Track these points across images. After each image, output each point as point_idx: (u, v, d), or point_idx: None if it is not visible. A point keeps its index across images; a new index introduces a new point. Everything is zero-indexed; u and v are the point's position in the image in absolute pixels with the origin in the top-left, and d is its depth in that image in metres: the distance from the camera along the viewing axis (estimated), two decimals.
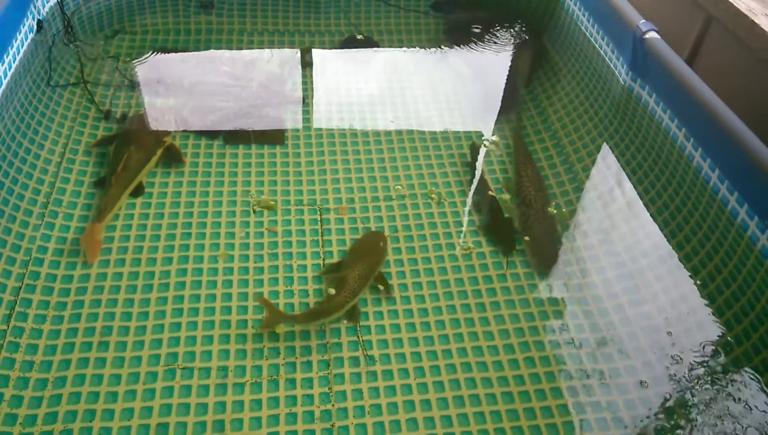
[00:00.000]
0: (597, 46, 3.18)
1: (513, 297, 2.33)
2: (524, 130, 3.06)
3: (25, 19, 2.63)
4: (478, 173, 2.81)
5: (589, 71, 3.23)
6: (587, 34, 3.26)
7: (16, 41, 2.51)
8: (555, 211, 2.66)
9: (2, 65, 2.42)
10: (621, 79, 2.90)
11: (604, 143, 2.92)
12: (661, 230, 2.51)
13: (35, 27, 2.82)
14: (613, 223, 2.61)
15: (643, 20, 2.63)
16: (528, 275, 2.41)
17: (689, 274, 2.36)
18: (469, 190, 2.75)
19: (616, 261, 2.46)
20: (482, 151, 2.93)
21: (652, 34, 2.57)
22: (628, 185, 2.71)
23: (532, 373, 2.10)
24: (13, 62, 2.58)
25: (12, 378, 1.98)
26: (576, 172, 2.86)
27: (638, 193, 2.66)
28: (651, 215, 2.57)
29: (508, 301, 2.31)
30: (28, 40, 2.68)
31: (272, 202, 2.58)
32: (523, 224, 2.58)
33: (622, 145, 2.84)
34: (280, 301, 2.30)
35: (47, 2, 3.08)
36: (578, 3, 3.33)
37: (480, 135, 3.02)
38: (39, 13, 2.93)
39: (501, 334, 2.22)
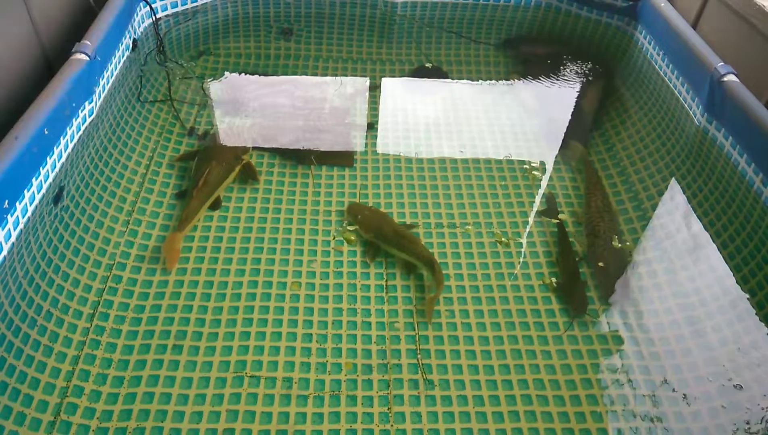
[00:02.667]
0: (671, 85, 3.17)
1: (576, 333, 2.32)
2: (592, 163, 3.07)
3: (124, 38, 2.84)
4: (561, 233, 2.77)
5: (662, 109, 3.21)
6: (661, 73, 3.25)
7: (114, 58, 2.72)
8: (620, 245, 2.65)
9: (102, 80, 2.61)
10: (695, 120, 2.88)
11: (675, 182, 2.89)
12: (733, 275, 2.46)
13: (131, 45, 3.04)
14: (682, 263, 2.57)
15: (722, 63, 2.62)
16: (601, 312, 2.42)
17: (761, 321, 2.31)
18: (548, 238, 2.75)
19: (684, 302, 2.43)
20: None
21: (731, 77, 2.55)
22: (698, 226, 2.67)
23: (594, 411, 2.10)
24: (111, 77, 2.78)
25: (92, 374, 2.11)
26: (645, 208, 2.83)
27: (710, 236, 2.62)
28: (722, 258, 2.53)
29: (572, 338, 2.31)
30: (125, 58, 2.89)
31: (353, 238, 2.67)
32: (592, 254, 2.59)
33: (694, 186, 2.80)
34: (343, 319, 2.38)
35: (142, 23, 3.33)
36: (653, 42, 3.33)
37: (543, 167, 3.05)
38: (135, 33, 3.16)
39: (563, 368, 2.21)
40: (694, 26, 3.22)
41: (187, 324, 2.30)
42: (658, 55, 3.31)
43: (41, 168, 2.01)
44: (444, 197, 2.88)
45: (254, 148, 3.06)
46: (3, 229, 1.84)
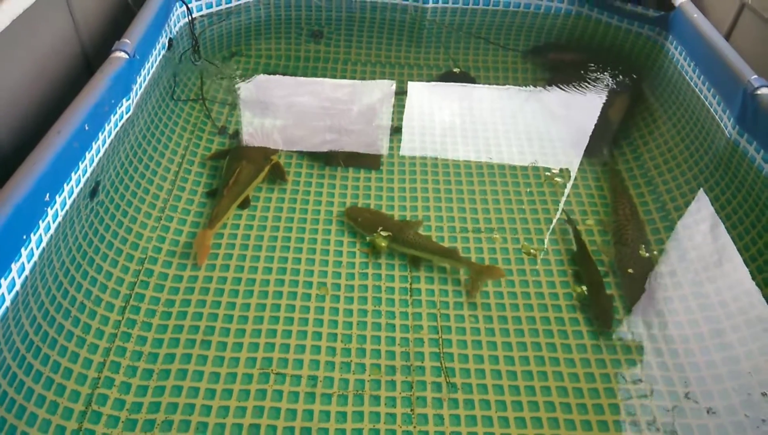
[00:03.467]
0: (702, 96, 3.15)
1: (600, 342, 2.32)
2: (618, 172, 3.07)
3: (160, 37, 2.90)
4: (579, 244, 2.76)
5: (692, 120, 3.19)
6: (692, 83, 3.23)
7: (151, 56, 2.78)
8: (647, 254, 2.65)
9: (139, 78, 2.67)
10: (726, 132, 2.87)
11: (703, 193, 2.88)
12: (760, 289, 2.44)
13: (167, 44, 3.10)
14: (709, 275, 2.56)
15: (755, 75, 2.60)
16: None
17: None
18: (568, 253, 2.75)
19: (710, 315, 2.41)
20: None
21: (765, 90, 2.53)
22: (727, 239, 2.65)
23: (616, 421, 2.09)
24: (147, 75, 2.84)
25: (122, 365, 2.16)
26: (672, 219, 2.82)
27: (738, 248, 2.60)
28: (750, 272, 2.51)
29: (596, 347, 2.30)
30: (160, 56, 2.95)
31: (384, 245, 2.68)
32: (619, 262, 2.58)
33: (723, 198, 2.78)
34: (368, 320, 2.41)
35: (178, 22, 3.40)
36: (684, 52, 3.32)
37: (568, 174, 3.05)
38: (171, 32, 3.23)
39: (586, 377, 2.21)
40: (727, 37, 3.20)
41: (216, 320, 2.35)
42: (689, 65, 3.30)
43: (80, 162, 2.07)
44: (469, 202, 2.89)
45: (283, 148, 3.11)
46: (43, 222, 1.90)
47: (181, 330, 2.30)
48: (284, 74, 3.68)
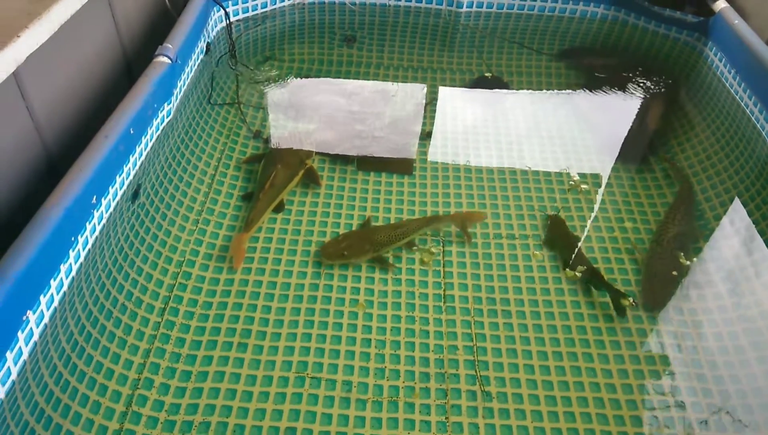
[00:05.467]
0: (743, 104, 3.10)
1: (638, 352, 2.29)
2: (654, 180, 3.03)
3: (199, 42, 2.95)
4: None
5: (731, 129, 3.13)
6: (732, 91, 3.18)
7: (191, 61, 2.82)
8: (687, 262, 2.61)
9: (179, 82, 2.72)
10: None
11: (744, 203, 2.83)
12: None
13: (205, 49, 3.15)
14: (750, 287, 2.51)
15: None
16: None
17: None
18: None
19: (749, 327, 2.37)
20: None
21: None
22: (766, 251, 2.61)
23: None
24: (187, 80, 2.89)
25: (162, 367, 2.19)
26: (711, 227, 2.78)
27: None
28: None
29: (633, 357, 2.27)
30: (199, 61, 2.99)
31: (426, 259, 2.64)
32: (647, 261, 2.57)
33: (765, 208, 2.74)
34: (401, 326, 2.41)
35: (215, 27, 3.44)
36: (724, 59, 3.26)
37: (600, 180, 3.02)
38: (209, 36, 3.27)
39: (624, 388, 2.18)
40: None
41: (252, 323, 2.37)
42: (730, 72, 3.23)
43: (125, 166, 2.12)
44: (503, 208, 2.87)
45: (316, 152, 3.14)
46: (89, 224, 1.94)
47: (218, 332, 2.33)
48: (317, 78, 3.70)
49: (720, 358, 2.29)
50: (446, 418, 2.12)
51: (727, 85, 3.26)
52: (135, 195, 2.30)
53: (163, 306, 2.39)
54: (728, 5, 3.44)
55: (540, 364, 2.28)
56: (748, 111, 3.04)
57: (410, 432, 2.07)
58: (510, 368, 2.27)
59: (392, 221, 2.81)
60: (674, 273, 2.56)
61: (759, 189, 2.79)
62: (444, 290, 2.54)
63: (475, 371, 2.26)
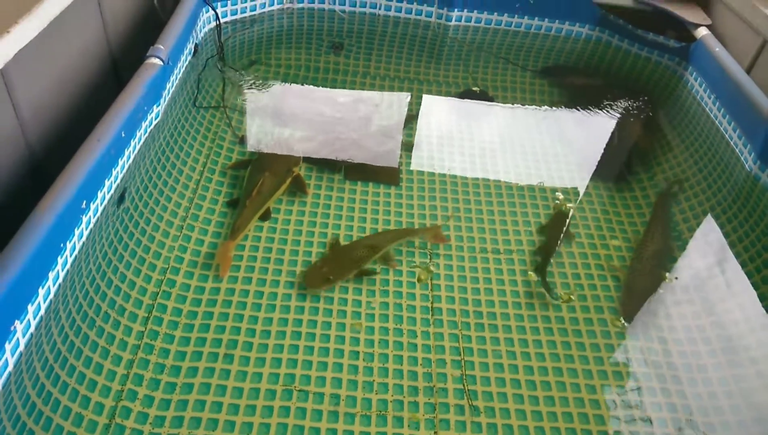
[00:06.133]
0: (721, 128, 3.21)
1: (634, 368, 2.34)
2: (633, 199, 3.11)
3: (188, 43, 2.88)
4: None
5: (710, 152, 3.24)
6: (711, 115, 3.29)
7: (180, 62, 2.75)
8: (671, 279, 2.67)
9: (169, 84, 2.65)
10: (747, 166, 2.92)
11: (721, 225, 2.92)
12: None
13: (193, 50, 3.08)
14: (726, 307, 2.59)
15: None
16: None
17: None
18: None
19: (725, 346, 2.44)
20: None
21: None
22: (741, 273, 2.68)
23: None
24: (175, 81, 2.82)
25: (146, 378, 2.13)
26: (689, 248, 2.86)
27: (753, 282, 2.63)
28: (762, 305, 2.55)
29: (617, 373, 2.31)
30: (187, 62, 2.93)
31: (423, 277, 2.63)
32: (629, 279, 2.64)
33: (740, 231, 2.83)
34: (389, 338, 2.40)
35: (203, 28, 3.37)
36: (704, 84, 3.38)
37: (579, 197, 3.09)
38: (197, 38, 3.20)
39: (609, 403, 2.22)
40: (748, 72, 3.24)
41: (238, 333, 2.32)
42: (709, 97, 3.35)
43: (113, 169, 2.05)
44: (488, 223, 2.89)
45: (303, 160, 3.10)
46: (78, 229, 1.87)
47: (203, 343, 2.28)
48: (303, 85, 3.67)
49: (699, 375, 2.35)
50: (435, 432, 2.11)
51: (707, 109, 3.38)
52: (121, 199, 2.23)
53: (146, 315, 2.32)
54: (709, 32, 3.57)
55: (526, 379, 2.30)
56: (727, 136, 3.15)
57: None
58: (497, 383, 2.28)
59: (380, 230, 2.81)
60: (653, 289, 2.64)
61: (736, 212, 2.90)
62: (432, 303, 2.54)
63: (463, 385, 2.27)
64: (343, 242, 2.72)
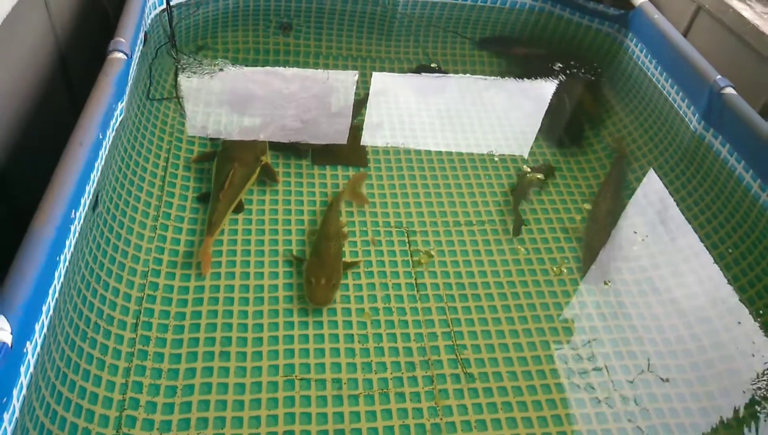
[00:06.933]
0: (664, 92, 3.43)
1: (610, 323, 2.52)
2: (587, 162, 3.28)
3: (140, 32, 2.72)
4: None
5: (654, 114, 3.46)
6: (653, 80, 3.51)
7: (136, 53, 2.60)
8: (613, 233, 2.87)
9: (127, 77, 2.51)
10: (692, 127, 3.15)
11: (669, 182, 3.14)
12: (723, 273, 2.70)
13: (143, 39, 2.90)
14: (669, 259, 2.81)
15: (719, 76, 2.88)
16: None
17: (748, 311, 2.58)
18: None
19: (668, 297, 2.65)
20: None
21: (730, 90, 2.82)
22: (690, 227, 2.92)
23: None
24: (132, 74, 2.66)
25: (145, 385, 2.09)
26: (639, 207, 3.06)
27: (699, 236, 2.87)
28: (712, 258, 2.77)
29: (592, 327, 2.50)
30: (138, 53, 2.77)
31: (423, 261, 2.67)
32: (586, 236, 2.84)
33: (689, 186, 3.06)
34: (380, 318, 2.44)
35: (150, 13, 3.19)
36: (644, 50, 3.59)
37: (536, 161, 3.24)
38: (145, 25, 3.02)
39: (590, 359, 2.39)
40: (684, 37, 3.46)
41: (231, 330, 2.30)
42: (651, 63, 3.56)
43: (91, 174, 1.93)
44: (458, 196, 2.97)
45: (268, 147, 3.03)
46: (68, 241, 1.76)
47: (197, 343, 2.24)
48: (256, 69, 3.58)
49: (638, 323, 2.53)
50: (435, 402, 2.20)
51: (649, 74, 3.59)
52: (95, 204, 2.12)
53: (135, 321, 2.25)
54: (647, 0, 3.76)
55: (513, 342, 2.43)
56: (670, 99, 3.38)
57: (405, 420, 2.14)
58: (487, 349, 2.40)
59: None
60: (608, 246, 2.84)
61: (683, 169, 3.14)
62: (416, 280, 2.61)
63: (456, 355, 2.36)
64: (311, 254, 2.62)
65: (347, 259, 2.60)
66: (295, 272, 2.52)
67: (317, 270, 2.47)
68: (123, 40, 2.34)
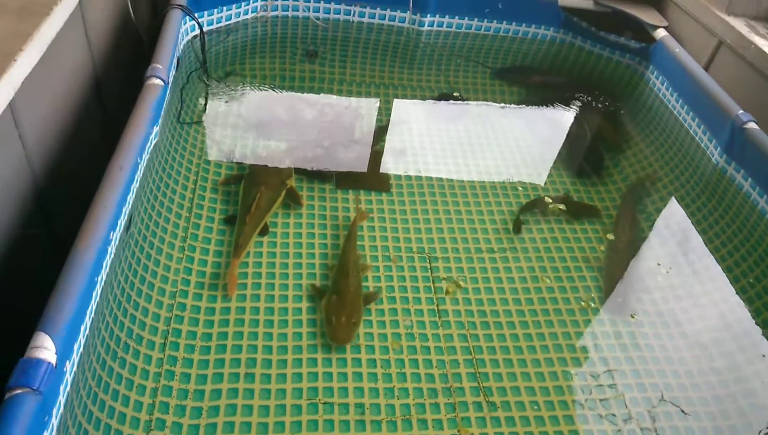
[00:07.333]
0: (686, 125, 3.47)
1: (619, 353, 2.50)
2: (607, 192, 3.30)
3: (174, 58, 2.80)
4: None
5: (675, 146, 3.50)
6: (674, 112, 3.55)
7: (170, 78, 2.68)
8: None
9: (163, 102, 2.58)
10: (713, 160, 3.18)
11: (690, 214, 3.16)
12: (745, 306, 2.70)
13: (176, 63, 2.99)
14: (691, 294, 2.81)
15: (741, 110, 2.93)
16: None
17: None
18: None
19: (688, 329, 2.65)
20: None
21: (752, 125, 2.86)
22: (711, 260, 2.92)
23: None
24: (163, 97, 2.73)
25: (171, 405, 2.10)
26: (660, 238, 3.06)
27: (721, 268, 2.87)
28: (729, 283, 2.79)
29: (615, 357, 2.48)
30: (171, 76, 2.85)
31: (451, 290, 2.69)
32: (607, 266, 2.84)
33: (711, 219, 3.08)
34: (402, 343, 2.46)
35: (183, 39, 3.30)
36: (666, 83, 3.64)
37: (557, 191, 3.26)
38: (178, 51, 3.11)
39: (609, 389, 2.39)
40: (705, 71, 3.51)
41: (256, 351, 2.33)
42: (672, 95, 3.60)
43: (128, 196, 1.99)
44: (479, 223, 3.00)
45: (293, 171, 3.09)
46: (104, 261, 1.81)
47: (222, 364, 2.27)
48: (282, 95, 3.65)
49: (658, 354, 2.52)
50: (458, 430, 2.20)
51: (669, 106, 3.63)
52: (128, 225, 2.17)
53: (163, 341, 2.28)
54: (668, 34, 3.83)
55: (535, 371, 2.43)
56: (691, 131, 3.41)
57: None
58: (509, 377, 2.40)
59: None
60: (632, 278, 2.83)
61: (705, 202, 3.16)
62: (437, 306, 2.63)
63: (478, 383, 2.37)
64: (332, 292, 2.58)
65: (370, 289, 2.60)
66: (318, 299, 2.56)
67: (337, 308, 2.45)
68: (160, 66, 2.42)
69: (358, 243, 2.79)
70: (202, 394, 2.18)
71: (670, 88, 3.58)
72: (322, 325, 2.43)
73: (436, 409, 2.27)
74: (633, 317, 2.68)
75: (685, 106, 3.43)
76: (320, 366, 2.34)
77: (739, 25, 3.42)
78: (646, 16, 4.01)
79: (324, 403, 2.23)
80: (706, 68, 3.55)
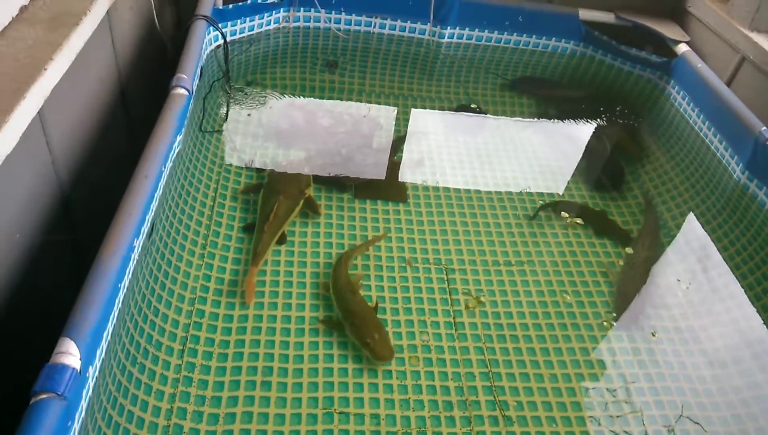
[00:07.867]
0: (707, 140, 3.44)
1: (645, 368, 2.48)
2: (627, 206, 3.28)
3: (198, 68, 2.86)
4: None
5: (695, 162, 3.47)
6: (695, 127, 3.53)
7: (193, 88, 2.73)
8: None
9: (187, 112, 2.63)
10: (735, 176, 3.16)
11: (711, 231, 3.13)
12: (766, 325, 2.67)
13: (199, 73, 3.04)
14: (711, 311, 2.78)
15: (765, 127, 2.90)
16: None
17: None
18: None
19: (706, 347, 2.63)
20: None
21: None
22: (731, 277, 2.89)
23: None
24: (188, 106, 2.78)
25: (189, 411, 2.12)
26: (679, 254, 3.04)
27: (743, 287, 2.83)
28: (751, 304, 2.74)
29: (634, 374, 2.45)
30: (195, 86, 2.90)
31: (471, 305, 2.68)
32: (620, 282, 2.82)
33: (732, 236, 3.05)
34: (418, 355, 2.46)
35: (206, 49, 3.35)
36: (687, 98, 3.62)
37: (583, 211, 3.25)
38: (201, 60, 3.17)
39: (626, 406, 2.36)
40: (727, 86, 3.47)
41: (272, 360, 2.34)
42: (693, 111, 3.58)
43: (152, 204, 2.02)
44: (497, 235, 3.00)
45: (311, 181, 3.11)
46: (127, 268, 1.84)
47: (239, 372, 2.28)
48: (302, 105, 3.69)
49: (707, 372, 2.52)
50: None
51: (691, 121, 3.61)
52: (151, 232, 2.21)
53: (181, 347, 2.31)
54: (690, 49, 3.82)
55: (551, 386, 2.42)
56: (713, 147, 3.39)
57: None
58: (525, 392, 2.39)
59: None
60: (651, 293, 2.81)
61: (725, 218, 3.12)
62: (454, 318, 2.62)
63: (494, 397, 2.36)
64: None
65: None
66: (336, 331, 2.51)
67: (363, 330, 2.42)
68: (185, 76, 2.46)
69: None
70: (219, 401, 2.19)
71: (692, 104, 3.56)
72: (347, 344, 2.41)
73: (452, 422, 2.27)
74: (654, 335, 2.66)
75: (707, 122, 3.41)
76: (336, 376, 2.34)
77: (763, 41, 3.40)
78: (668, 31, 4.00)
79: (340, 413, 2.23)
80: (729, 84, 3.52)
